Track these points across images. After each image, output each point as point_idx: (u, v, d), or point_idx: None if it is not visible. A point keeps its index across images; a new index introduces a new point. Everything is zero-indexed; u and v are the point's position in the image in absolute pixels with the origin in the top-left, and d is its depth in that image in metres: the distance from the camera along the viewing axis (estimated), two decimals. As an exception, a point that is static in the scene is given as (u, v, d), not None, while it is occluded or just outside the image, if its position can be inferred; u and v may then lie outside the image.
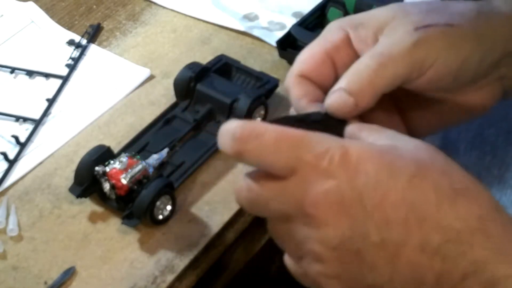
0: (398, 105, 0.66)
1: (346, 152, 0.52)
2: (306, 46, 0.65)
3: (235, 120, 0.55)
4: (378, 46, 0.61)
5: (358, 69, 0.60)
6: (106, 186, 0.75)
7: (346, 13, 0.92)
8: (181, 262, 0.72)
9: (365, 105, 0.60)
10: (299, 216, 0.53)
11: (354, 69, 0.61)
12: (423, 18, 0.62)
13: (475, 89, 0.65)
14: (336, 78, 0.62)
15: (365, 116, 0.62)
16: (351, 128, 0.58)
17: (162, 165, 0.79)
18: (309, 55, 0.64)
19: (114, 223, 0.76)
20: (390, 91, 0.61)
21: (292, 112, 0.64)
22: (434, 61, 0.61)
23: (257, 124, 0.55)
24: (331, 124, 0.59)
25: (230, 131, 0.55)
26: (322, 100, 0.61)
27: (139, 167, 0.76)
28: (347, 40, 0.64)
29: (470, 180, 0.53)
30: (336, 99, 0.59)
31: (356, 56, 0.63)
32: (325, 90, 0.62)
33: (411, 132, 0.66)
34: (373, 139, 0.56)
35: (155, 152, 0.79)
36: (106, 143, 0.79)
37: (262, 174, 0.54)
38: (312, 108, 0.61)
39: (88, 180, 0.76)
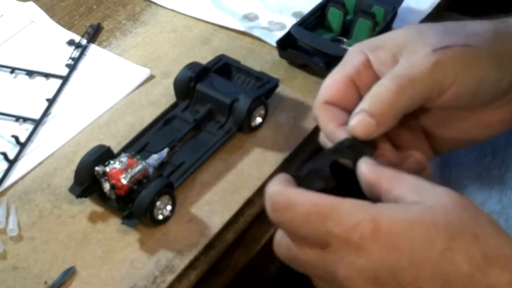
0: (421, 123, 0.68)
1: (377, 226, 0.53)
2: (329, 74, 0.67)
3: (273, 184, 0.58)
4: (397, 68, 0.63)
5: (378, 91, 0.62)
6: (106, 186, 0.75)
7: (346, 13, 0.92)
8: (181, 262, 0.72)
9: (386, 126, 0.62)
10: (335, 283, 0.55)
11: (375, 91, 0.62)
12: (440, 39, 0.64)
13: (495, 106, 0.67)
14: (359, 100, 0.64)
15: (390, 135, 0.64)
16: (369, 178, 0.58)
17: (162, 165, 0.79)
18: (332, 82, 0.66)
19: (114, 223, 0.76)
20: (412, 111, 0.63)
21: (322, 136, 0.67)
22: (453, 82, 0.63)
23: (290, 193, 0.57)
24: (361, 146, 0.62)
25: (268, 198, 0.57)
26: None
27: (139, 167, 0.76)
28: (367, 63, 0.66)
29: (502, 242, 0.54)
30: (359, 121, 0.62)
31: (377, 78, 0.64)
32: (350, 113, 0.64)
33: (435, 148, 0.68)
34: (397, 194, 0.56)
35: (155, 152, 0.79)
36: (106, 143, 0.79)
37: (301, 238, 0.56)
38: (339, 131, 0.63)
39: (88, 180, 0.76)
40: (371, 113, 0.61)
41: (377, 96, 0.62)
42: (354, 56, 0.67)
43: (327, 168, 0.62)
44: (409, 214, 0.54)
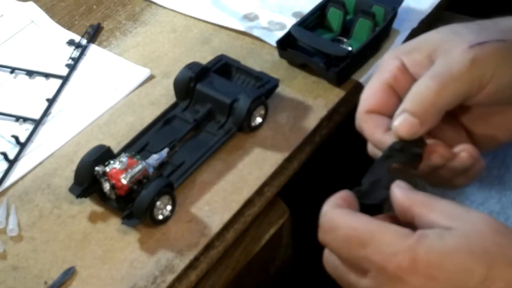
0: (462, 121, 0.69)
1: (414, 257, 0.54)
2: (367, 84, 0.68)
3: (327, 203, 0.59)
4: (436, 67, 0.64)
5: (419, 91, 0.63)
6: (106, 186, 0.75)
7: (346, 12, 0.92)
8: (181, 262, 0.72)
9: (429, 124, 0.63)
10: None
11: (415, 90, 0.64)
12: (475, 36, 0.65)
13: None
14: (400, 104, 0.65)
15: (434, 134, 0.65)
16: (402, 202, 0.59)
17: (162, 165, 0.79)
18: (371, 91, 0.67)
19: (114, 223, 0.76)
20: (453, 108, 0.64)
21: (370, 147, 0.68)
22: (491, 76, 0.63)
23: (335, 215, 0.58)
24: (411, 146, 0.63)
25: (321, 215, 0.59)
26: None
27: (139, 167, 0.76)
28: (403, 67, 0.67)
29: None
30: (402, 121, 0.63)
31: (414, 80, 0.65)
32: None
33: (478, 145, 0.68)
34: (430, 219, 0.56)
35: (155, 152, 0.79)
36: (106, 143, 0.79)
37: (344, 260, 0.58)
38: (386, 137, 0.65)
39: (88, 180, 0.76)
40: (413, 112, 0.63)
41: (418, 95, 0.63)
42: (389, 62, 0.68)
43: (385, 176, 0.63)
44: (445, 243, 0.54)
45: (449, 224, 0.55)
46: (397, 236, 0.55)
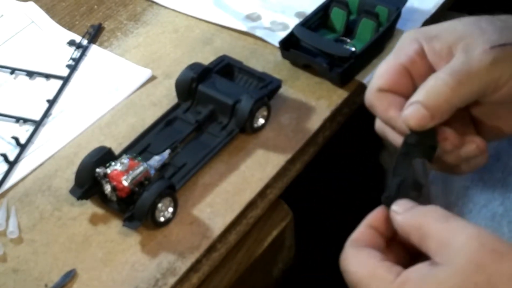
0: (471, 113, 0.69)
1: None
2: (383, 61, 0.69)
3: (350, 238, 0.61)
4: (455, 63, 0.65)
5: (435, 85, 0.64)
6: (107, 188, 0.75)
7: (349, 13, 0.92)
8: (183, 265, 0.72)
9: (440, 119, 0.64)
10: None
11: (431, 84, 0.64)
12: (498, 36, 0.65)
13: None
14: (414, 88, 0.66)
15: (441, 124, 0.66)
16: (402, 231, 0.60)
17: (163, 166, 0.79)
18: (385, 70, 0.68)
19: (115, 225, 0.75)
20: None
21: (378, 124, 0.69)
22: (509, 79, 0.64)
23: (349, 253, 0.60)
24: (425, 137, 0.64)
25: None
26: None
27: (141, 168, 0.75)
28: (422, 52, 0.67)
29: None
30: (413, 112, 0.64)
31: (431, 68, 0.66)
32: (406, 98, 0.66)
33: (482, 135, 0.69)
34: (425, 250, 0.57)
35: (157, 154, 0.79)
36: (107, 144, 0.79)
37: None
38: (399, 114, 0.65)
39: (89, 182, 0.76)
40: (426, 105, 0.63)
41: (434, 89, 0.64)
42: (408, 44, 0.68)
43: (408, 175, 0.63)
44: (435, 280, 0.55)
45: (438, 258, 0.56)
46: (385, 282, 0.57)
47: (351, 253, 0.60)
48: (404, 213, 0.60)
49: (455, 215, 0.58)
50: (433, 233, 0.57)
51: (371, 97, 0.68)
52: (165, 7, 1.00)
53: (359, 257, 0.59)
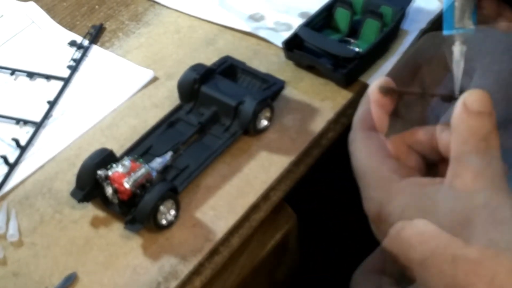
0: None
1: None
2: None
3: (360, 116, 0.65)
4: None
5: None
6: (109, 190, 0.74)
7: (353, 13, 0.92)
8: (185, 268, 0.72)
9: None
10: None
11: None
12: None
13: None
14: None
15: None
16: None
17: (165, 168, 0.78)
18: None
19: (117, 228, 0.75)
20: None
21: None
22: None
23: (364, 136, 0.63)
24: None
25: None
26: None
27: (142, 170, 0.75)
28: None
29: None
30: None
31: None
32: None
33: None
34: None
35: (159, 156, 0.78)
36: (109, 146, 0.79)
37: None
38: None
39: (90, 184, 0.75)
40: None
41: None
42: None
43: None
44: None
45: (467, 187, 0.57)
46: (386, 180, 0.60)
47: (360, 137, 0.63)
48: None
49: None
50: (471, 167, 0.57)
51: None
52: (167, 7, 1.00)
53: (368, 144, 0.62)
